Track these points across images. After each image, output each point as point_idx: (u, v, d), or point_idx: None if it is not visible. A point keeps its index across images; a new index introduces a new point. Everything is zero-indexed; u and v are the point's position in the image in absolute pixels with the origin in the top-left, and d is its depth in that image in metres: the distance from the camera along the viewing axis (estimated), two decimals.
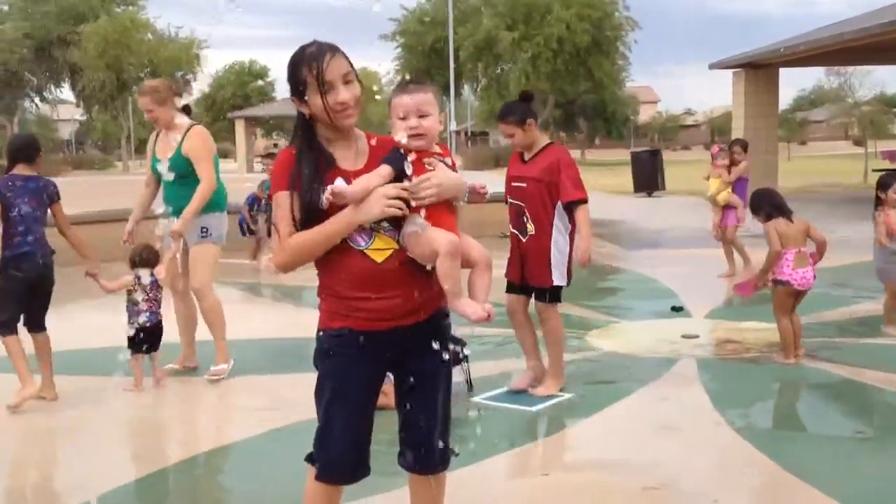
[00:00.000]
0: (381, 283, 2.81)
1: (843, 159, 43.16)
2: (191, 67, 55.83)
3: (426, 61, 54.19)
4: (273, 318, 8.86)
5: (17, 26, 53.53)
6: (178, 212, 6.14)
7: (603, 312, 8.51)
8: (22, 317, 5.79)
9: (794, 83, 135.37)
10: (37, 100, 61.78)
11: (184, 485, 4.54)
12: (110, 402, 5.84)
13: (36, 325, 5.86)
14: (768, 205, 6.61)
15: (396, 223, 2.81)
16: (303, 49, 2.83)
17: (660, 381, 6.08)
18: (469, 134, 79.77)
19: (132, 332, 6.01)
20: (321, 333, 2.94)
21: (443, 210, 2.83)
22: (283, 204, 2.81)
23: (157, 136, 6.37)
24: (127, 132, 61.44)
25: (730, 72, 23.72)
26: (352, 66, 2.83)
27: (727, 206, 10.51)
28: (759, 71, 22.77)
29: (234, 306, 9.62)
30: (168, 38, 56.85)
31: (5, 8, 56.52)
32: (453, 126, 41.54)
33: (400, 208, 2.76)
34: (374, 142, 2.94)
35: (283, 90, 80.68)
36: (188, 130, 6.18)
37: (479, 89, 56.50)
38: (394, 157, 2.82)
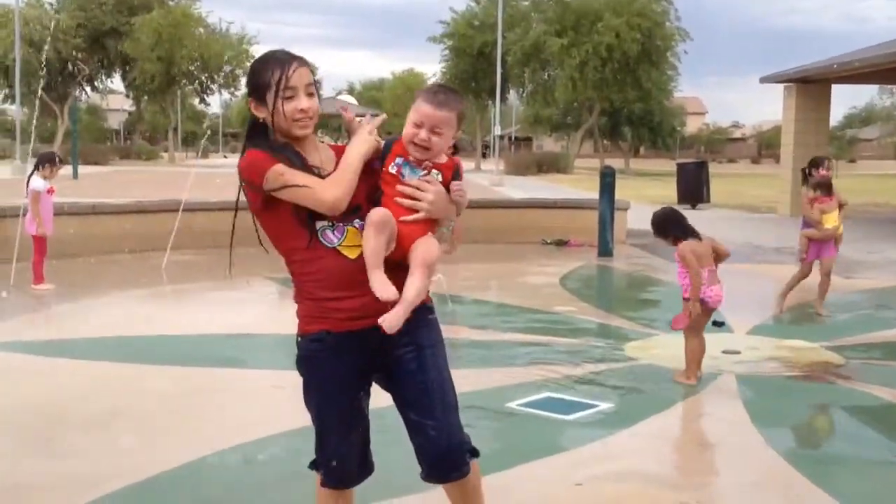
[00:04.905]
0: (354, 281, 2.77)
1: (892, 179, 42.49)
2: (240, 62, 56.36)
3: (473, 65, 54.17)
4: None
5: (72, 16, 54.38)
6: None
7: (642, 324, 8.43)
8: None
9: (845, 100, 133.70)
10: (88, 89, 62.75)
11: (209, 479, 4.55)
12: (147, 390, 5.88)
13: None
14: (677, 227, 6.42)
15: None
16: (270, 53, 2.83)
17: (699, 396, 6.01)
18: (513, 139, 79.71)
19: None
20: (300, 339, 2.90)
21: (419, 222, 2.84)
22: (290, 168, 2.74)
23: None
24: (175, 124, 62.07)
25: (780, 86, 23.46)
26: (315, 81, 2.83)
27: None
28: (810, 86, 22.49)
29: (271, 300, 9.66)
30: (219, 33, 57.49)
31: None
32: (498, 130, 41.54)
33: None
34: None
35: (328, 89, 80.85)
36: None
37: (524, 94, 56.43)
38: (386, 145, 2.88)
